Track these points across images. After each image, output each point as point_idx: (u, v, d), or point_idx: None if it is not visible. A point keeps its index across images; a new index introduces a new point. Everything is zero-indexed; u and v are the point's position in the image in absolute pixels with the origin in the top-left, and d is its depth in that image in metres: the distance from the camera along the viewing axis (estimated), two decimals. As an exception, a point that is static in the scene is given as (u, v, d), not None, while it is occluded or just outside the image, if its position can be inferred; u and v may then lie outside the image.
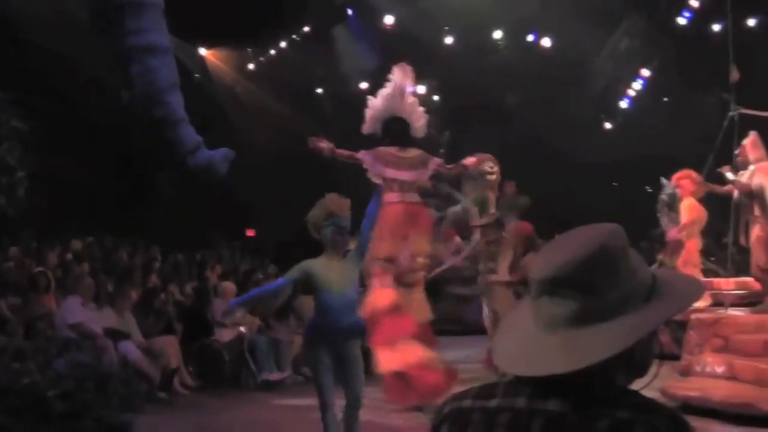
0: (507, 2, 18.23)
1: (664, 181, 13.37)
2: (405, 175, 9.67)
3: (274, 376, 11.77)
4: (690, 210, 12.79)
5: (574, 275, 1.64)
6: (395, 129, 9.83)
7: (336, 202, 6.86)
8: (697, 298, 1.83)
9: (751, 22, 19.96)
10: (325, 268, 6.66)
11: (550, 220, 12.15)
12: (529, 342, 1.69)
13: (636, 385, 1.71)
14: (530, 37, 20.53)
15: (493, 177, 11.41)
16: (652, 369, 1.77)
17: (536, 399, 1.63)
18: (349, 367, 6.56)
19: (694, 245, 12.84)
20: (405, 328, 8.83)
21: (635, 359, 1.69)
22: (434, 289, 10.81)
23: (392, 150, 9.73)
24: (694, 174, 12.99)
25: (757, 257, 10.63)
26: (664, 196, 13.31)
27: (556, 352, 1.62)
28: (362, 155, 9.69)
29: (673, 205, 13.13)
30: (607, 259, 1.66)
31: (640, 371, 1.74)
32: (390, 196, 9.41)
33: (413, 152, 9.90)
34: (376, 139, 10.03)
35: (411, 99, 10.10)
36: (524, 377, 1.67)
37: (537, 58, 20.11)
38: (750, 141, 10.91)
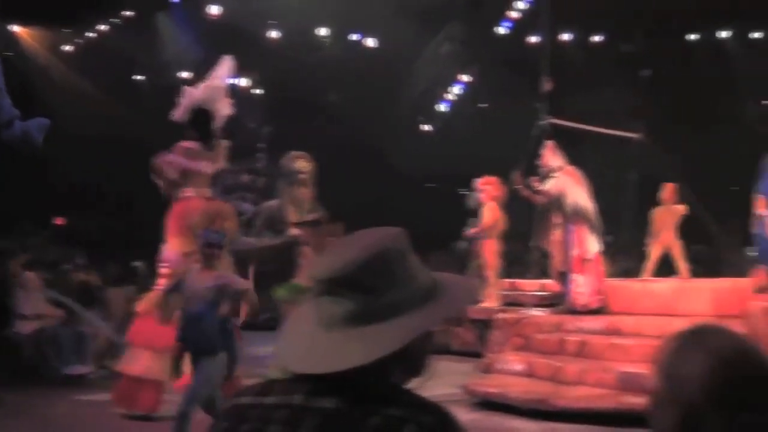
0: (334, 0, 18.33)
1: (474, 185, 13.86)
2: (205, 168, 9.54)
3: (77, 370, 11.37)
4: (489, 213, 13.32)
5: (353, 276, 1.67)
6: (199, 121, 9.65)
7: (212, 215, 6.75)
8: (469, 303, 1.90)
9: (566, 36, 21.01)
10: (192, 279, 6.57)
11: (364, 219, 12.25)
12: (308, 340, 1.71)
13: (416, 383, 1.75)
14: (355, 36, 20.71)
15: (305, 175, 11.38)
16: (431, 367, 1.81)
17: (312, 396, 1.64)
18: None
19: (491, 248, 13.35)
20: (162, 334, 8.50)
21: (410, 358, 1.72)
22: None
23: (192, 144, 9.54)
24: (497, 181, 13.53)
25: (556, 261, 11.18)
26: (471, 200, 13.80)
27: (333, 351, 1.65)
28: (167, 160, 9.45)
29: (476, 209, 13.65)
30: (386, 262, 1.70)
31: (416, 370, 1.77)
32: (186, 191, 9.26)
33: (217, 145, 9.78)
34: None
35: (223, 91, 9.95)
36: (303, 375, 1.69)
37: (361, 57, 20.28)
38: (547, 150, 11.44)
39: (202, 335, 6.51)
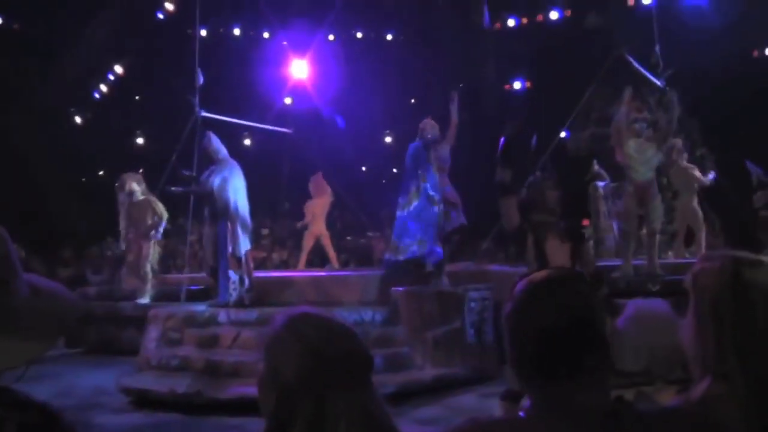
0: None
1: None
2: None
3: None
4: (153, 211, 13.14)
5: None
6: None
7: None
8: (72, 320, 1.82)
9: (236, 30, 21.20)
10: None
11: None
12: None
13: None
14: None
15: None
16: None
17: None
18: None
19: (147, 242, 13.21)
20: None
21: None
22: None
23: None
24: (139, 176, 13.36)
25: (207, 253, 11.21)
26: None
27: None
28: None
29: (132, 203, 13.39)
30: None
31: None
32: None
33: None
34: None
35: None
36: None
37: (4, 40, 18.95)
38: (208, 142, 11.38)
39: None
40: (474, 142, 14.66)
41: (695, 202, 12.37)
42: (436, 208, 10.62)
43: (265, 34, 21.92)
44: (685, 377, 2.50)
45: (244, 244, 10.92)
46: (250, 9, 20.22)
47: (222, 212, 10.83)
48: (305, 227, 14.35)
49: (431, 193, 10.62)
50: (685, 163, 12.51)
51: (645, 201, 10.66)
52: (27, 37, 19.10)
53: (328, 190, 14.44)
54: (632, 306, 2.97)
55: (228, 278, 10.79)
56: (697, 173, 12.41)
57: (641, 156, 10.62)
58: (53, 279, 1.84)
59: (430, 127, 10.82)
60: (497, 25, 20.94)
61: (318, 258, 14.81)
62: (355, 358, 1.75)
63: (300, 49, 20.29)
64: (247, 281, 10.90)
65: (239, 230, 10.85)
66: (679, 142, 12.71)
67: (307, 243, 14.24)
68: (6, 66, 18.29)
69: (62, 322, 1.73)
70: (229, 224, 10.80)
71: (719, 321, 1.95)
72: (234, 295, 10.77)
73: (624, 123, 10.70)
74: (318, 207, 14.20)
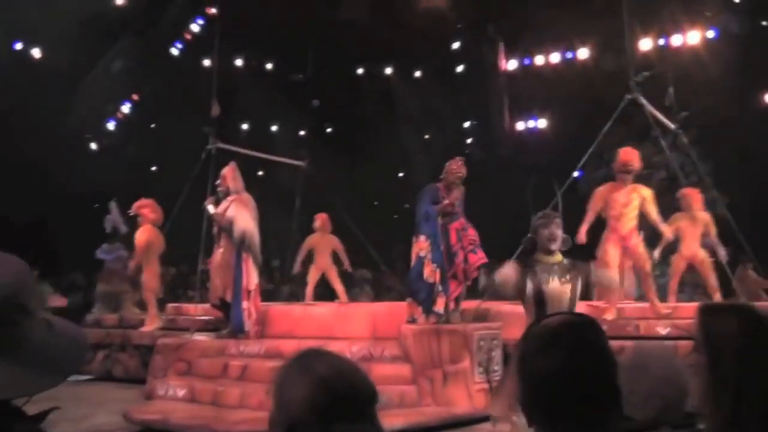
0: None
1: (112, 205, 13.66)
2: None
3: None
4: (144, 235, 13.16)
5: None
6: None
7: None
8: (82, 359, 1.87)
9: (238, 62, 21.22)
10: None
11: (24, 240, 11.63)
12: None
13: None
14: (19, 45, 19.47)
15: None
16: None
17: None
18: None
19: (151, 271, 13.20)
20: None
21: None
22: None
23: None
24: (153, 203, 13.38)
25: (215, 284, 11.17)
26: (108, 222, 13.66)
27: None
28: None
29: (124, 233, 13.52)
30: (18, 294, 1.63)
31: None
32: None
33: None
34: None
35: None
36: None
37: (23, 67, 19.07)
38: (229, 171, 11.41)
39: None
40: (488, 181, 14.68)
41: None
42: (424, 270, 10.31)
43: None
44: (691, 422, 2.51)
45: (254, 277, 10.94)
46: (267, 42, 20.36)
47: (236, 244, 10.85)
48: (305, 262, 14.40)
49: (420, 254, 10.32)
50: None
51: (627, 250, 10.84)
52: (46, 64, 19.25)
53: (330, 227, 14.43)
54: (638, 351, 2.96)
55: (241, 310, 10.79)
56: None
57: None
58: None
59: (457, 167, 10.46)
60: (512, 65, 21.06)
61: (327, 291, 14.80)
62: (360, 391, 1.77)
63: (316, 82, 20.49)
64: (253, 314, 10.90)
65: (251, 263, 10.87)
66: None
67: (312, 277, 14.27)
68: (25, 92, 18.43)
69: (72, 364, 1.77)
70: (244, 255, 10.83)
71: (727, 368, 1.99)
72: (246, 326, 10.78)
73: None
74: (323, 242, 14.26)
